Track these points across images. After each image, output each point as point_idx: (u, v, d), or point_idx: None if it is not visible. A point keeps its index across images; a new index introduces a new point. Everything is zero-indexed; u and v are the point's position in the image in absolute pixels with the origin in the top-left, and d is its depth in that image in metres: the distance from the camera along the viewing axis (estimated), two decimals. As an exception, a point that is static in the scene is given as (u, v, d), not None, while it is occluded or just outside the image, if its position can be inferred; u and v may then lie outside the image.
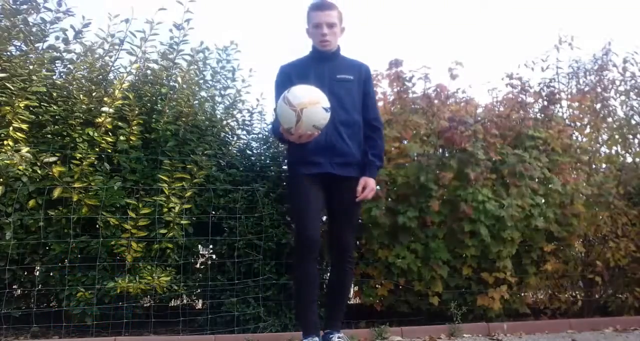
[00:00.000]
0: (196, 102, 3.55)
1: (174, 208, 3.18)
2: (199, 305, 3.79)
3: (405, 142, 3.51)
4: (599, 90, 4.26)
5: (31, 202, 3.00)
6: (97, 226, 3.08)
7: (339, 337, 2.52)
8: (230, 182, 3.44)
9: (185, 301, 3.83)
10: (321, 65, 2.59)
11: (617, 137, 4.15)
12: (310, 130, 2.27)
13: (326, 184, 2.54)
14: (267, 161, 3.70)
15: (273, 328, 3.18)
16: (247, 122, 3.91)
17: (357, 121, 2.59)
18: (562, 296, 3.82)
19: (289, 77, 2.59)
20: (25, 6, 3.26)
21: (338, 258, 2.63)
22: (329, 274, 2.75)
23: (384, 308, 3.53)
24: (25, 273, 3.18)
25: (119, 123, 3.22)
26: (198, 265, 3.51)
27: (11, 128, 2.96)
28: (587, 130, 4.19)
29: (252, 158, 3.78)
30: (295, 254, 2.58)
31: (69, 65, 3.40)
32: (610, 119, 4.28)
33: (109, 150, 3.18)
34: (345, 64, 2.66)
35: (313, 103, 2.25)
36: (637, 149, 4.16)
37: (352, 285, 3.82)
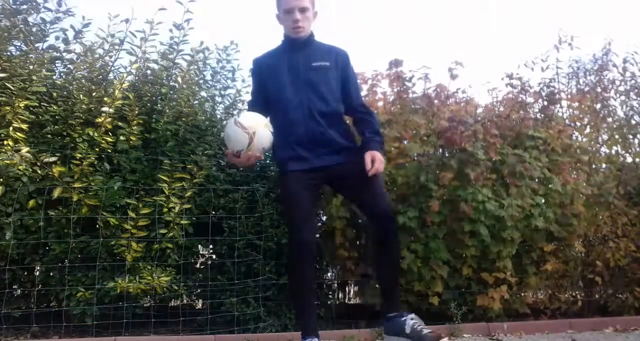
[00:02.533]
0: (196, 102, 3.55)
1: (174, 208, 3.18)
2: (199, 305, 3.79)
3: (405, 142, 3.51)
4: (599, 90, 4.26)
5: (31, 202, 3.00)
6: (97, 226, 3.08)
7: (411, 318, 2.35)
8: (230, 182, 3.44)
9: (185, 301, 3.83)
10: (295, 55, 2.46)
11: (617, 137, 4.15)
12: (259, 152, 2.33)
13: (323, 178, 2.46)
14: (267, 161, 3.70)
15: (273, 328, 3.18)
16: (247, 122, 3.90)
17: (337, 110, 2.47)
18: (562, 296, 3.81)
19: (260, 71, 2.53)
20: (25, 6, 3.26)
21: (380, 228, 2.45)
22: (377, 253, 2.54)
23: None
24: (25, 273, 3.19)
25: (119, 123, 3.22)
26: (198, 265, 3.52)
27: (11, 128, 2.96)
28: (587, 130, 4.18)
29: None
30: (289, 257, 2.52)
31: (69, 65, 3.40)
32: (610, 119, 4.27)
33: (109, 150, 3.18)
34: (321, 50, 2.51)
35: (264, 126, 2.30)
36: (637, 149, 4.16)
37: (352, 285, 3.82)
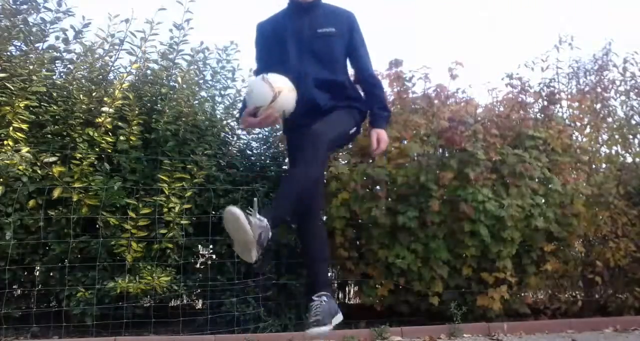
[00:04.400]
0: (196, 102, 3.55)
1: (174, 208, 3.18)
2: (199, 305, 3.79)
3: (405, 142, 3.51)
4: (599, 90, 4.26)
5: (31, 202, 3.00)
6: (97, 226, 3.08)
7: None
8: (230, 182, 3.44)
9: (185, 301, 3.83)
10: (299, 20, 2.34)
11: (617, 137, 4.15)
12: (279, 113, 2.21)
13: None
14: (267, 161, 3.70)
15: (273, 328, 3.18)
16: (247, 122, 3.90)
17: (341, 81, 2.36)
18: (562, 296, 3.82)
19: (263, 36, 2.43)
20: (25, 6, 3.26)
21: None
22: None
23: (384, 308, 3.53)
24: (25, 273, 3.18)
25: (119, 123, 3.22)
26: (198, 265, 3.51)
27: (11, 128, 2.97)
28: (587, 130, 4.18)
29: (252, 158, 3.78)
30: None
31: (69, 65, 3.40)
32: (610, 119, 4.28)
33: (109, 150, 3.18)
34: (327, 14, 2.38)
35: (290, 90, 2.21)
36: (637, 149, 4.16)
37: (352, 285, 3.81)
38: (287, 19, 2.39)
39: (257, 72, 2.46)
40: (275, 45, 2.37)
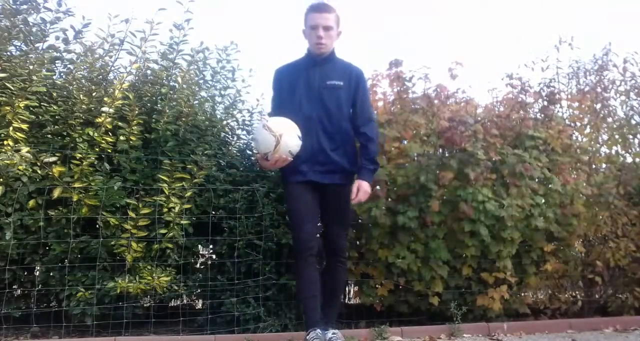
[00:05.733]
0: (196, 102, 3.55)
1: (174, 208, 3.18)
2: (199, 305, 3.80)
3: (405, 142, 3.51)
4: (599, 90, 4.25)
5: (31, 202, 3.00)
6: (97, 226, 3.08)
7: (333, 333, 2.57)
8: (230, 182, 3.44)
9: (185, 301, 3.83)
10: (313, 71, 2.65)
11: (617, 137, 4.14)
12: (286, 154, 2.48)
13: (316, 189, 2.66)
14: (267, 161, 3.69)
15: (273, 328, 3.17)
16: (247, 122, 3.91)
17: (345, 129, 2.66)
18: (562, 296, 3.81)
19: (280, 82, 2.73)
20: (25, 6, 3.26)
21: (331, 258, 2.74)
22: (323, 275, 2.80)
23: (384, 308, 3.53)
24: (25, 273, 3.18)
25: (119, 123, 3.22)
26: (198, 265, 3.51)
27: (11, 128, 2.96)
28: (587, 130, 4.18)
29: (252, 158, 3.78)
30: (294, 255, 2.68)
31: (69, 65, 3.40)
32: (610, 119, 4.27)
33: (109, 150, 3.18)
34: (337, 68, 2.69)
35: (290, 130, 2.47)
36: (637, 149, 4.16)
37: (352, 285, 3.82)
38: (302, 68, 2.69)
39: (270, 114, 2.77)
40: (289, 92, 2.68)
